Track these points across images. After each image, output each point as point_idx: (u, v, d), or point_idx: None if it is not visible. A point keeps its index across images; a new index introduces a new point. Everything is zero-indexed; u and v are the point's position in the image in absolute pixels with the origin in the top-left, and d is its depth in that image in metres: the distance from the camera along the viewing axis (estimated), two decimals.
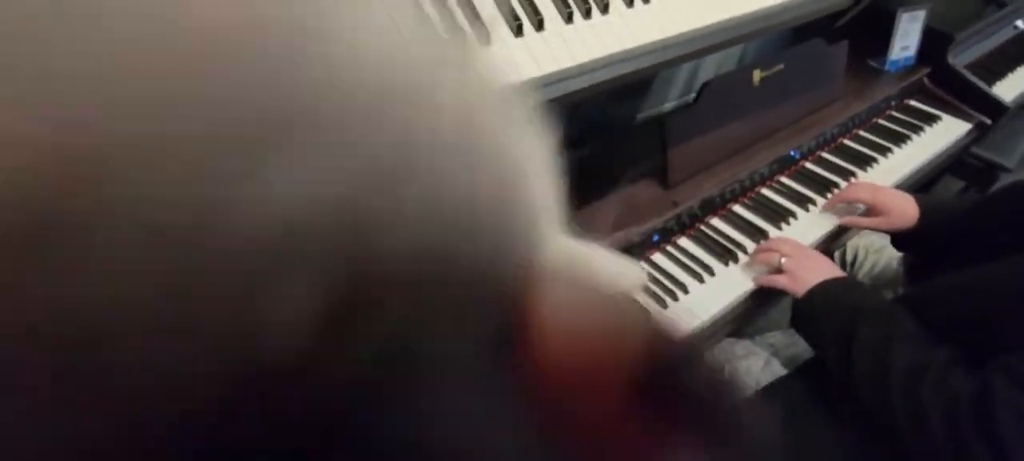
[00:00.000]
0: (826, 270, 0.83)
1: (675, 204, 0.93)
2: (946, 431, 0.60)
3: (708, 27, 0.74)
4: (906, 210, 0.92)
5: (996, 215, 0.82)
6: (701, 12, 0.74)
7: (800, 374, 0.86)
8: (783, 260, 0.85)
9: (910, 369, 0.65)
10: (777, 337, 0.96)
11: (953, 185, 1.76)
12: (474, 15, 0.59)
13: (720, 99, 0.98)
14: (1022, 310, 0.62)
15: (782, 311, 0.90)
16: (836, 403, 0.78)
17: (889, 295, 1.02)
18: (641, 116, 1.30)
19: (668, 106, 1.34)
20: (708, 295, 0.87)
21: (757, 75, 1.02)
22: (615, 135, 1.14)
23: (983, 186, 1.57)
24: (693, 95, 1.30)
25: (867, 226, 0.98)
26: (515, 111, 0.16)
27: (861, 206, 0.98)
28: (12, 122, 0.08)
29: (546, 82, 0.61)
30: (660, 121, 0.93)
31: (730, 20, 0.76)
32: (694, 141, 0.97)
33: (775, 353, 0.92)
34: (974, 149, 1.35)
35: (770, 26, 0.83)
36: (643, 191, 0.95)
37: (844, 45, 1.16)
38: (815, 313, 0.79)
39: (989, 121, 1.28)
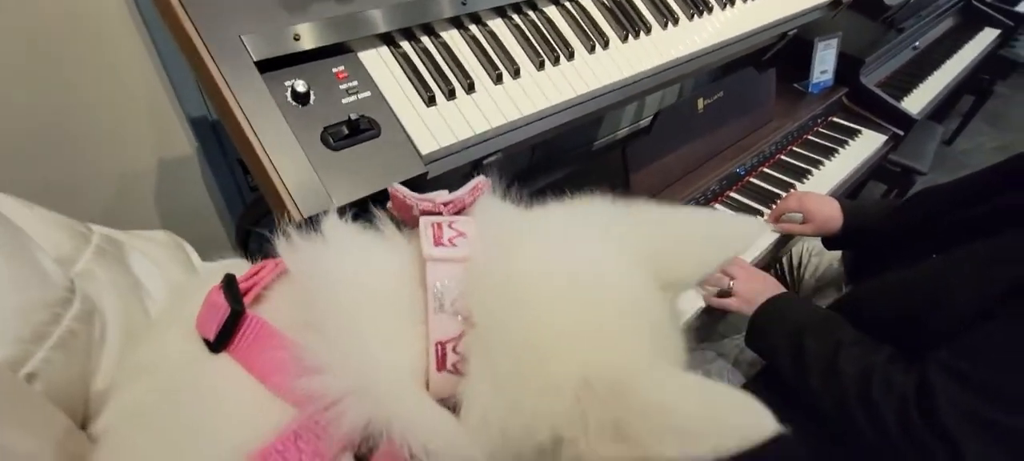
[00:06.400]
0: (771, 288, 0.86)
1: None
2: (901, 430, 0.63)
3: (657, 68, 0.84)
4: (831, 215, 1.00)
5: (910, 219, 0.90)
6: (650, 56, 0.84)
7: (762, 375, 0.91)
8: (731, 283, 0.89)
9: (859, 374, 0.68)
10: (739, 340, 1.02)
11: (878, 189, 1.94)
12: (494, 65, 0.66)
13: (671, 125, 1.08)
14: (941, 307, 0.66)
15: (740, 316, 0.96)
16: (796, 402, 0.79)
17: (833, 293, 1.11)
18: (598, 143, 1.40)
19: (622, 132, 1.45)
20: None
21: (701, 102, 1.13)
22: (581, 161, 1.23)
23: (903, 188, 1.75)
24: (643, 121, 1.41)
25: (798, 232, 1.04)
26: None
27: (797, 214, 1.05)
28: None
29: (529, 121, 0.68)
30: (622, 149, 1.01)
31: (672, 61, 0.87)
32: (652, 165, 1.06)
33: (740, 352, 0.98)
34: (892, 156, 1.52)
35: (709, 63, 0.94)
36: None
37: (772, 72, 1.29)
38: (764, 330, 0.83)
39: (901, 133, 1.44)
